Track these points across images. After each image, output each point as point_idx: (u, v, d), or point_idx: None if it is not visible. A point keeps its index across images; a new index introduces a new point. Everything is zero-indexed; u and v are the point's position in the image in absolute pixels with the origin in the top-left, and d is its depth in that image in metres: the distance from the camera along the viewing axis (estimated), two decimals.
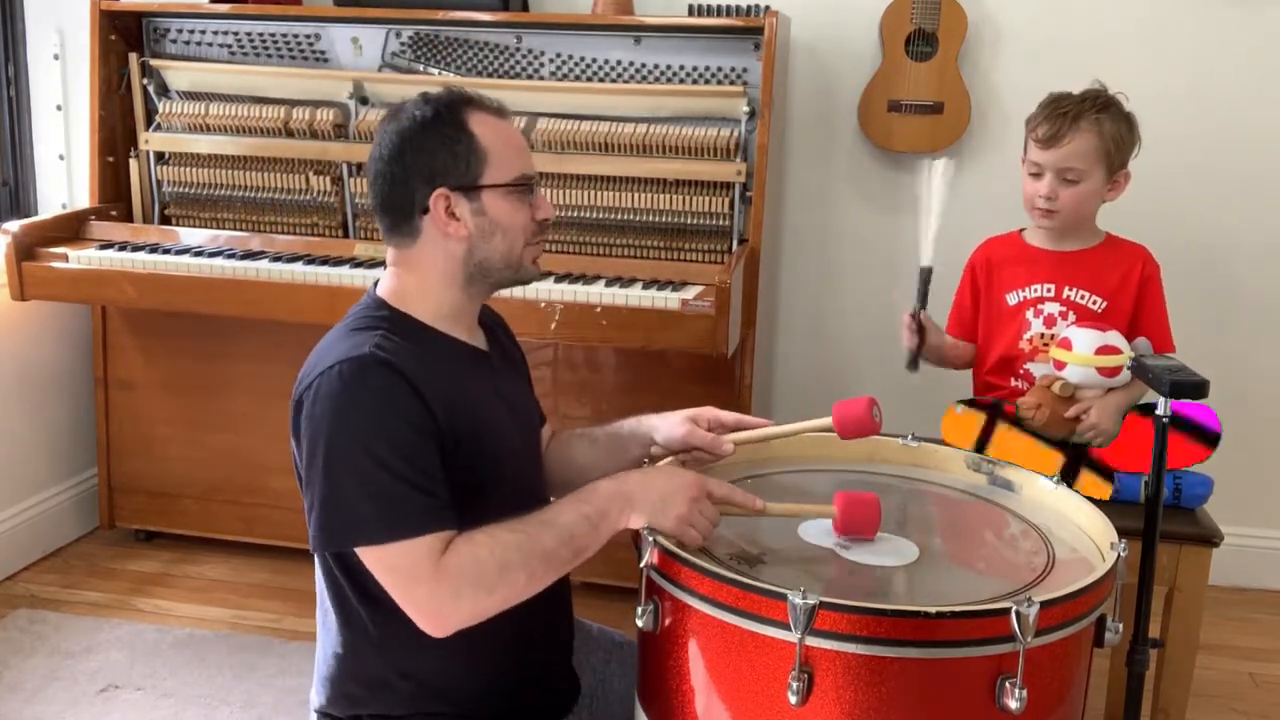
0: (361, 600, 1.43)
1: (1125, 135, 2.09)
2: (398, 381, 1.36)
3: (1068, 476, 2.01)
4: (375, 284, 1.54)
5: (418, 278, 1.50)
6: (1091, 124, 2.06)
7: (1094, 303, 2.14)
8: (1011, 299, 2.20)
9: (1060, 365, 2.06)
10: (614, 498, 1.40)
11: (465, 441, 1.41)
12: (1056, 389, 2.04)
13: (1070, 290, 2.15)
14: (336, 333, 1.46)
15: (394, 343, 1.40)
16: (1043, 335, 2.16)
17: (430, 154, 1.45)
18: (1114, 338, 2.04)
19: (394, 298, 1.50)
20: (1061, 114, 2.07)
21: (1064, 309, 2.15)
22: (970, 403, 2.13)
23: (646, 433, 1.65)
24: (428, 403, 1.37)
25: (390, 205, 1.48)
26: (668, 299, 2.46)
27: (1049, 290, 2.17)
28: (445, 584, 1.31)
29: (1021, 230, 2.26)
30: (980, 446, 2.05)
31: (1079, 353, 2.03)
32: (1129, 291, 2.15)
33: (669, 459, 1.62)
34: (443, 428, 1.38)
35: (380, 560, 1.34)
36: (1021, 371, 2.19)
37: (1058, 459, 2.04)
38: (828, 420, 1.57)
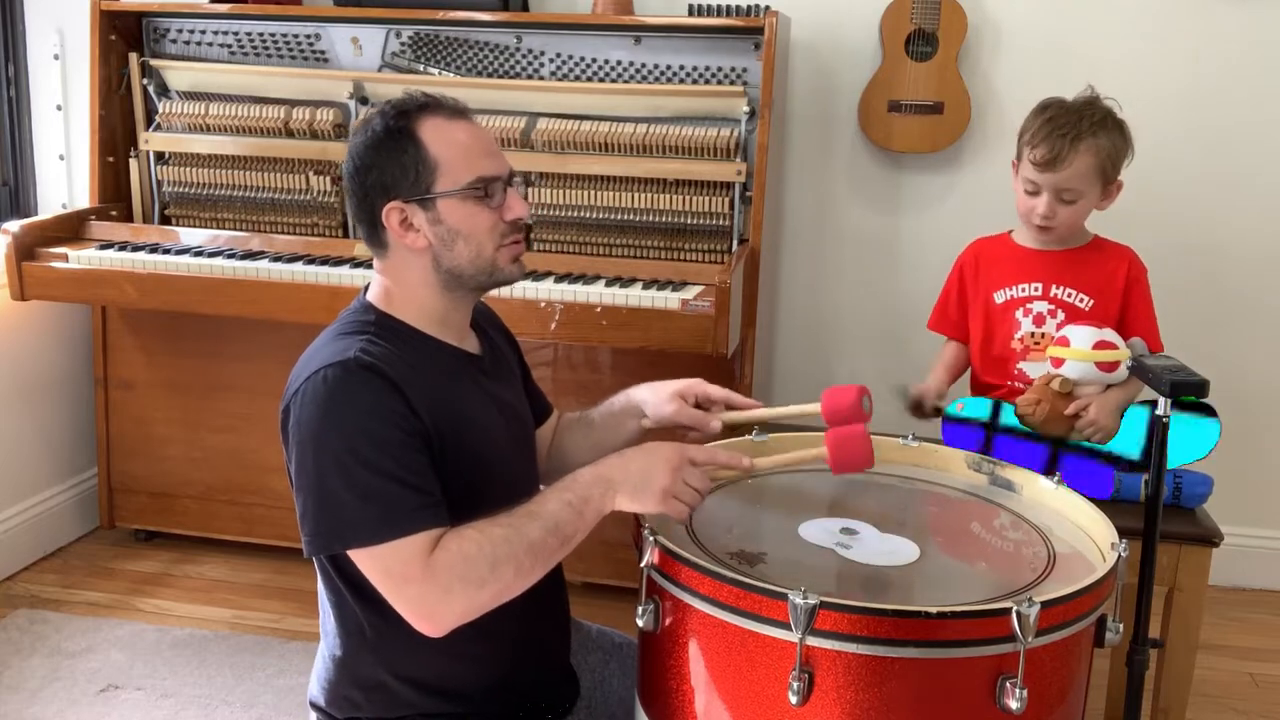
0: (358, 603, 1.43)
1: (1120, 148, 2.09)
2: (382, 384, 1.36)
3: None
4: (366, 288, 1.55)
5: (400, 284, 1.50)
6: (1089, 147, 2.05)
7: (1081, 301, 2.15)
8: (999, 297, 2.21)
9: (1058, 363, 2.07)
10: (594, 482, 1.40)
11: (452, 444, 1.41)
12: (1055, 385, 2.05)
13: (1058, 289, 2.16)
14: (324, 338, 1.47)
15: (379, 347, 1.41)
16: (1033, 334, 2.17)
17: (380, 169, 1.45)
18: (1111, 334, 2.06)
19: (382, 301, 1.51)
20: (1060, 135, 2.04)
21: (1052, 307, 2.16)
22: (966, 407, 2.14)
23: (637, 406, 1.67)
24: (413, 405, 1.37)
25: (359, 219, 1.50)
26: (668, 299, 2.46)
27: (1037, 289, 2.18)
28: (436, 582, 1.31)
29: (1010, 231, 2.27)
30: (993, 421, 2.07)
31: (1077, 348, 2.04)
32: (1116, 291, 2.16)
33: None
34: (429, 430, 1.39)
35: (372, 561, 1.34)
36: (1015, 371, 2.19)
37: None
38: (816, 406, 1.55)
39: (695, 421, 1.62)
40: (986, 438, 2.12)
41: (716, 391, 1.64)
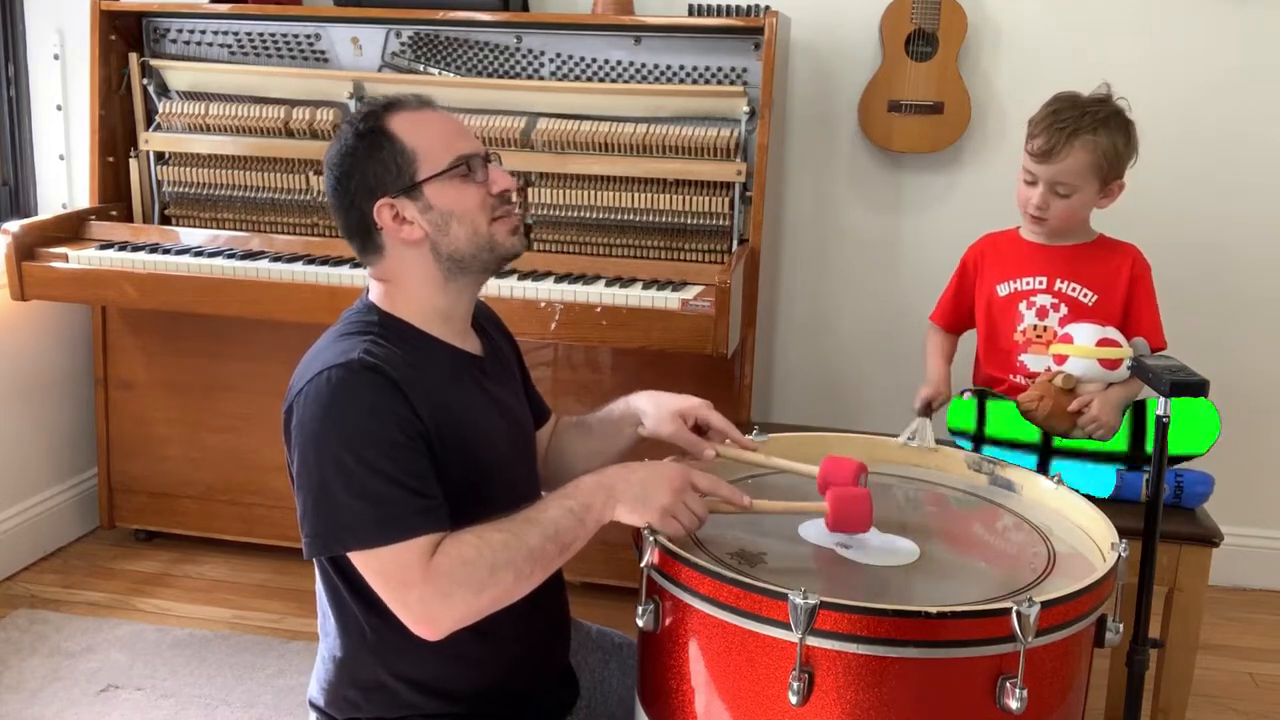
0: (358, 604, 1.43)
1: (1122, 149, 2.09)
2: (385, 386, 1.36)
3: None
4: (368, 289, 1.55)
5: (400, 288, 1.50)
6: (1086, 143, 2.06)
7: (1085, 295, 2.16)
8: (1002, 289, 2.22)
9: (1061, 360, 2.08)
10: (596, 490, 1.40)
11: (454, 447, 1.41)
12: (1059, 382, 2.06)
13: (1062, 283, 2.17)
14: (326, 338, 1.47)
15: (382, 348, 1.41)
16: (1035, 327, 2.17)
17: (362, 173, 1.46)
18: (1114, 333, 2.07)
19: (384, 302, 1.51)
20: (1059, 129, 2.06)
21: (1055, 301, 2.17)
22: (972, 392, 2.15)
23: (635, 415, 1.66)
24: (415, 407, 1.37)
25: (350, 231, 1.51)
26: (668, 299, 2.46)
27: (1041, 283, 2.19)
28: (435, 586, 1.31)
29: (1018, 227, 2.28)
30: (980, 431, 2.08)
31: (1081, 344, 2.05)
32: (1120, 287, 2.17)
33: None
34: (431, 432, 1.39)
35: (371, 564, 1.34)
36: (1017, 364, 2.20)
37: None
38: (814, 469, 1.54)
39: (691, 446, 1.62)
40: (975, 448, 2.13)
41: (717, 420, 1.63)
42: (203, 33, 2.97)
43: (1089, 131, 2.06)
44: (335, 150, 1.48)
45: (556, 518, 1.37)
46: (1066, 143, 2.05)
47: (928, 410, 2.21)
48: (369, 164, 1.45)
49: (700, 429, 1.64)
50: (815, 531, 1.49)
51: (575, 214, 2.77)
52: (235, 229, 2.95)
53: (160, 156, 3.00)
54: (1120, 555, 1.38)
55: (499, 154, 1.56)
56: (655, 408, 1.64)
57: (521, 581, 1.35)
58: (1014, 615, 1.22)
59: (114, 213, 2.98)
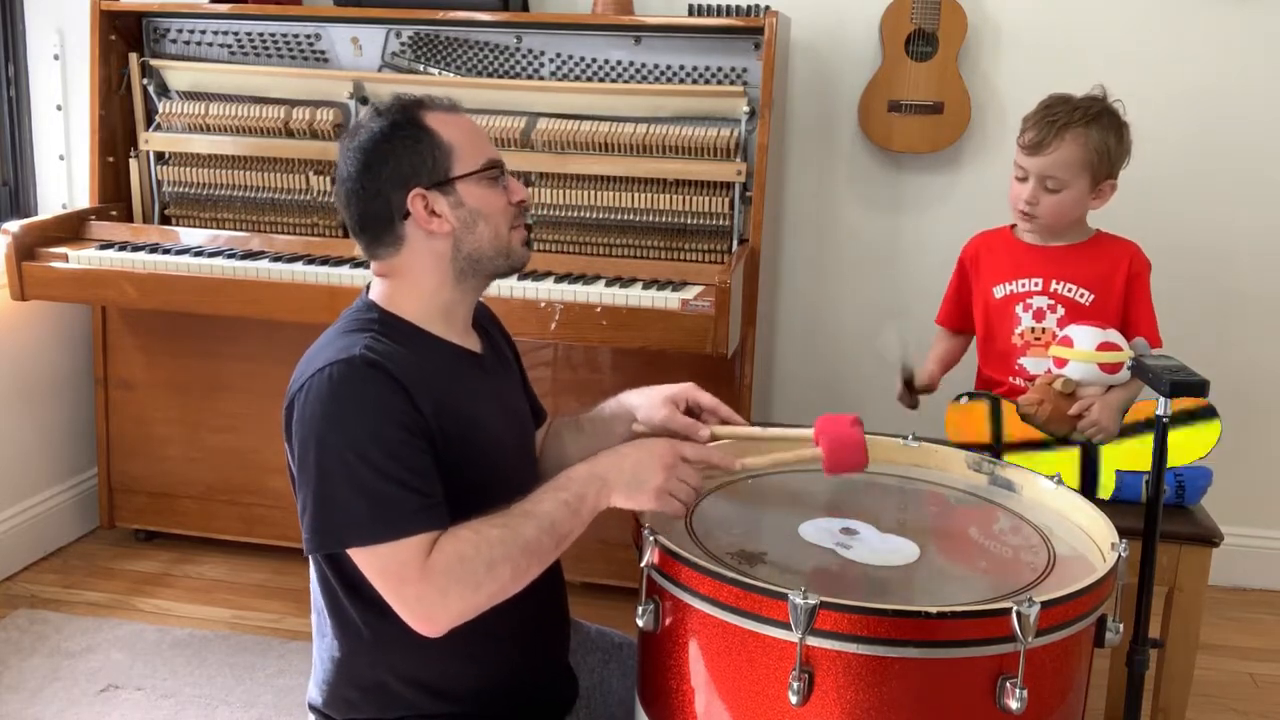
0: (356, 604, 1.43)
1: (1113, 147, 2.09)
2: (387, 382, 1.36)
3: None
4: (367, 287, 1.55)
5: (407, 283, 1.51)
6: (1076, 135, 2.06)
7: (1081, 296, 2.15)
8: (998, 292, 2.21)
9: (1061, 363, 2.07)
10: (589, 480, 1.40)
11: (456, 443, 1.42)
12: (1058, 386, 2.05)
13: (1058, 284, 2.17)
14: (327, 336, 1.47)
15: (384, 344, 1.41)
16: (1033, 329, 2.17)
17: (396, 160, 1.46)
18: (1114, 335, 2.06)
19: (385, 301, 1.51)
20: (1049, 122, 2.07)
21: (1052, 302, 2.16)
22: (972, 395, 2.13)
23: (628, 410, 1.67)
24: (417, 404, 1.37)
25: (367, 220, 1.49)
26: (668, 299, 2.46)
27: (1037, 285, 2.18)
28: (433, 584, 1.31)
29: (1013, 226, 2.27)
30: (996, 434, 2.06)
31: (1080, 349, 2.04)
32: (1117, 286, 2.16)
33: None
34: (433, 428, 1.39)
35: (370, 561, 1.34)
36: (1016, 367, 2.20)
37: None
38: (809, 432, 1.55)
39: (686, 429, 1.62)
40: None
41: (707, 400, 1.64)
42: (203, 33, 2.97)
43: (1080, 125, 2.06)
44: (366, 137, 1.47)
45: (551, 510, 1.37)
46: (1057, 135, 2.06)
47: (908, 387, 2.25)
48: (405, 154, 1.46)
49: (693, 411, 1.65)
50: (815, 531, 1.50)
51: (575, 214, 2.77)
52: (235, 229, 2.95)
53: (160, 156, 3.00)
54: (1120, 555, 1.38)
55: (521, 176, 1.58)
56: (646, 398, 1.65)
57: (519, 576, 1.35)
58: (1014, 615, 1.22)
59: (114, 213, 2.99)
